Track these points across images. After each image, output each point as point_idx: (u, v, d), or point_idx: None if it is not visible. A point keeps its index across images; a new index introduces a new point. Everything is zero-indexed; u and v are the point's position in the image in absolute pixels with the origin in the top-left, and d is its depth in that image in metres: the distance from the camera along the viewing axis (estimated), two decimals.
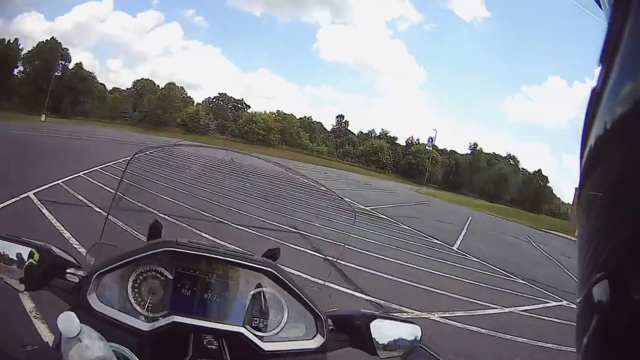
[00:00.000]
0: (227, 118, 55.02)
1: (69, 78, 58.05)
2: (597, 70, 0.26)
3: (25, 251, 0.81)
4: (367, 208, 13.53)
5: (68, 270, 0.85)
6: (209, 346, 0.79)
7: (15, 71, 61.24)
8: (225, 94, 57.11)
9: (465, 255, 9.19)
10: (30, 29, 57.54)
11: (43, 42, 58.86)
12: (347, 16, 68.77)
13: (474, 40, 65.94)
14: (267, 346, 0.86)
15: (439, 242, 10.25)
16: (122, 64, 75.07)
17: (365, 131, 60.48)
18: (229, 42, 70.14)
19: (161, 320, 0.80)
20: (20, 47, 58.58)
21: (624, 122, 0.23)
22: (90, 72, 57.13)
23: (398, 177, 54.15)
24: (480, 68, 68.39)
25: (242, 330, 0.84)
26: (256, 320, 0.88)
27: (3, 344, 0.76)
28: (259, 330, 0.87)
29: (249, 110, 56.37)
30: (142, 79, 56.27)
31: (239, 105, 56.61)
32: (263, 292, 0.89)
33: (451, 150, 57.40)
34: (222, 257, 0.86)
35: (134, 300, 0.81)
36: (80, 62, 58.81)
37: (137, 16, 71.34)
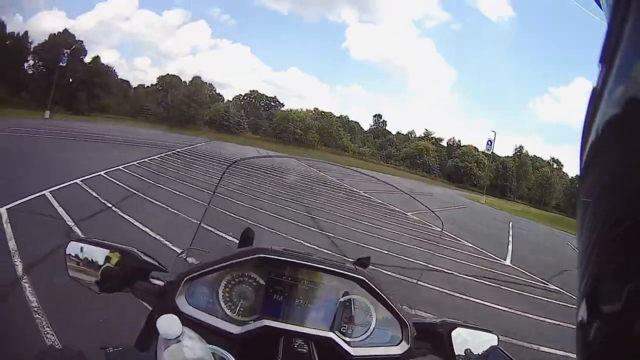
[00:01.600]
0: (260, 116, 49.84)
1: (85, 72, 53.18)
2: (598, 70, 0.25)
3: (104, 253, 0.83)
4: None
5: (152, 274, 0.86)
6: (298, 350, 0.81)
7: (26, 65, 56.67)
8: (257, 91, 52.22)
9: None
10: (52, 27, 53.57)
11: (55, 34, 53.82)
12: (375, 14, 65.20)
13: (500, 40, 63.62)
14: (354, 351, 0.87)
15: None
16: (149, 62, 71.46)
17: (404, 132, 55.79)
18: (257, 41, 66.13)
19: (252, 324, 0.83)
20: (30, 40, 53.87)
21: (624, 121, 0.23)
22: (109, 66, 52.01)
23: (445, 182, 49.09)
24: (506, 68, 64.90)
25: (331, 335, 0.86)
26: (345, 326, 0.89)
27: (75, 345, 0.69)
28: (348, 335, 0.89)
29: (283, 109, 51.06)
30: (168, 74, 51.22)
31: (272, 103, 51.62)
32: (353, 299, 0.89)
33: (492, 153, 52.11)
34: (315, 265, 0.87)
35: (225, 304, 0.83)
36: (98, 56, 53.84)
37: (162, 14, 67.06)
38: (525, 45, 64.12)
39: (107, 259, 0.84)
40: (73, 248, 0.86)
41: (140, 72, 61.15)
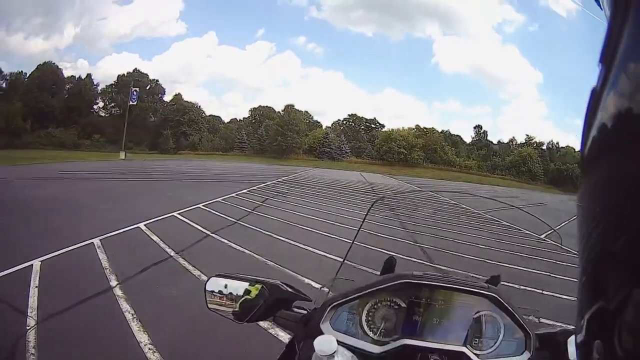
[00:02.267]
0: (362, 139, 47.44)
1: (167, 111, 51.62)
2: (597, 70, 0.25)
3: (244, 287, 0.92)
4: None
5: (295, 303, 0.95)
6: None
7: (96, 108, 55.55)
8: (356, 115, 50.02)
9: None
10: (123, 70, 52.52)
11: (124, 75, 52.56)
12: (456, 26, 62.41)
13: (574, 35, 58.86)
14: None
15: None
16: (240, 97, 71.06)
17: (505, 140, 53.01)
18: (348, 66, 65.62)
19: (392, 343, 0.89)
20: (95, 82, 52.86)
21: (623, 121, 0.23)
22: (193, 103, 50.34)
23: (550, 187, 45.89)
24: (584, 64, 61.72)
25: (463, 349, 0.90)
26: (476, 340, 0.93)
27: None
28: (478, 349, 0.93)
29: (384, 129, 48.64)
30: (260, 106, 49.53)
31: (372, 125, 49.23)
32: (484, 314, 0.94)
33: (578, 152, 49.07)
34: (452, 286, 0.93)
35: (367, 326, 0.90)
36: (179, 94, 52.43)
37: (246, 49, 68.63)
38: (595, 38, 63.17)
39: (247, 291, 0.92)
40: (213, 283, 0.95)
41: (232, 108, 61.69)
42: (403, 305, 0.92)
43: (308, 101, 66.99)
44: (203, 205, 9.46)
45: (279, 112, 47.52)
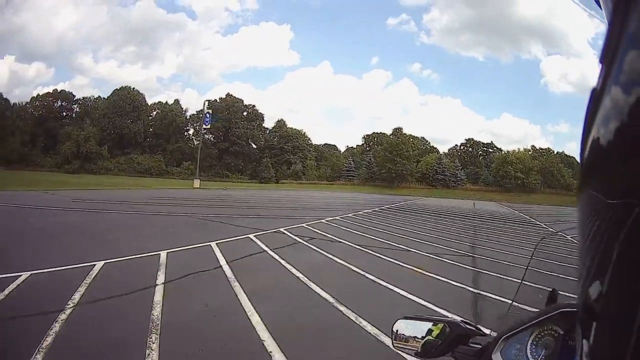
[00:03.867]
0: (479, 165, 46.11)
1: (269, 138, 51.91)
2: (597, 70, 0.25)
3: (427, 326, 1.02)
4: None
5: (472, 340, 1.01)
6: None
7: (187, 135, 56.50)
8: (473, 139, 48.87)
9: None
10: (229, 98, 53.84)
11: (215, 100, 52.98)
12: (558, 45, 62.21)
13: None
14: None
15: None
16: (359, 126, 74.84)
17: None
18: (465, 92, 67.36)
19: None
20: (184, 108, 53.56)
21: (624, 121, 0.23)
22: (299, 130, 50.32)
23: None
24: None
25: None
26: None
27: None
28: None
29: (500, 153, 47.13)
30: (374, 132, 49.30)
31: (489, 150, 47.79)
32: None
33: None
34: None
35: (531, 354, 0.95)
36: (282, 119, 52.56)
37: (362, 77, 71.05)
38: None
39: (430, 331, 1.01)
40: (399, 324, 1.04)
41: (351, 136, 61.19)
42: (561, 332, 0.94)
43: (426, 128, 67.73)
44: None
45: (389, 135, 46.85)
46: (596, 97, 0.25)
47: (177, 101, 54.74)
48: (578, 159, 0.25)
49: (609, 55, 0.24)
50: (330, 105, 63.56)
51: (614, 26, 0.25)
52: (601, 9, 0.29)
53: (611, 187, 0.23)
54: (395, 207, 20.62)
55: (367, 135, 49.23)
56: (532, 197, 42.56)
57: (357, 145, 50.03)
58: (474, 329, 1.04)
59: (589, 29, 67.23)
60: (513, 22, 57.65)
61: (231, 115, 51.57)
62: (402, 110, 65.64)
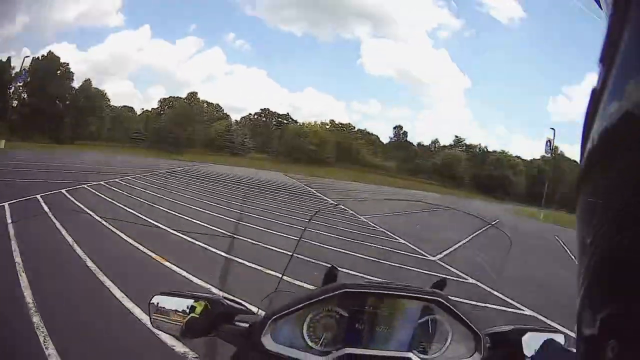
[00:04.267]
0: (272, 135, 43.26)
1: (72, 98, 48.13)
2: (598, 70, 0.25)
3: (188, 303, 0.93)
4: None
5: (237, 317, 0.94)
6: None
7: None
8: (268, 109, 45.85)
9: None
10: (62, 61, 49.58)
11: (38, 58, 48.90)
12: (388, 29, 62.53)
13: (513, 42, 61.13)
14: None
15: None
16: (164, 91, 69.58)
17: (425, 143, 49.35)
18: (273, 64, 66.06)
19: (334, 353, 0.88)
20: (13, 65, 49.31)
21: (624, 122, 0.22)
22: (101, 90, 46.55)
23: (478, 194, 41.43)
24: (521, 70, 63.44)
25: (409, 355, 0.90)
26: (422, 345, 0.93)
27: None
28: (425, 353, 0.93)
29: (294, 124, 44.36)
30: (171, 97, 45.44)
31: (285, 121, 44.87)
32: (430, 319, 0.94)
33: (553, 156, 44.43)
34: (395, 293, 0.93)
35: (309, 338, 0.89)
36: (89, 79, 48.83)
37: (176, 43, 67.18)
38: (538, 45, 62.92)
39: (192, 308, 0.92)
40: (157, 300, 0.95)
41: (154, 101, 58.83)
42: (345, 314, 0.90)
43: (226, 96, 63.78)
44: None
45: (183, 99, 43.55)
46: (596, 97, 0.25)
47: (9, 59, 50.56)
48: (578, 159, 0.26)
49: (609, 55, 0.24)
50: (143, 69, 59.96)
51: (613, 26, 0.24)
52: (601, 9, 0.28)
53: (613, 190, 0.23)
54: (163, 173, 19.06)
55: (163, 98, 45.86)
56: (324, 170, 39.93)
57: (153, 109, 46.59)
58: (240, 306, 0.96)
59: (428, 17, 68.49)
60: (345, 2, 57.17)
61: (46, 74, 47.67)
62: (206, 77, 63.05)
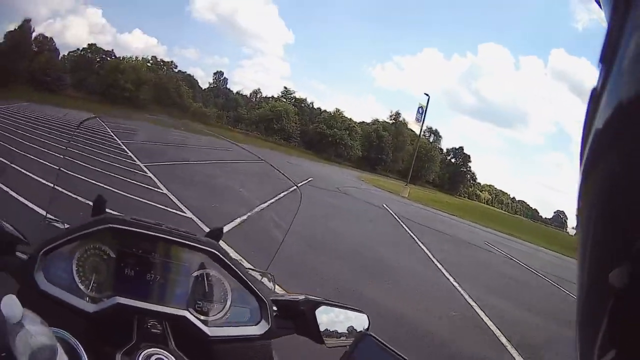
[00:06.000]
0: (93, 71, 41.60)
1: None
2: (598, 70, 0.25)
3: None
4: None
5: (17, 248, 0.82)
6: (152, 330, 0.79)
7: None
8: (95, 45, 43.45)
9: None
10: None
11: None
12: None
13: (347, 7, 64.51)
14: (211, 331, 0.84)
15: None
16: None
17: (245, 92, 46.71)
18: (108, 3, 60.46)
19: (105, 301, 0.79)
20: None
21: (624, 122, 0.22)
22: None
23: (304, 151, 38.05)
24: (353, 35, 68.75)
25: (185, 313, 0.83)
26: (200, 304, 0.86)
27: None
28: (203, 314, 0.86)
29: (113, 59, 42.10)
30: (16, 29, 44.25)
31: (109, 58, 42.56)
32: (206, 274, 0.87)
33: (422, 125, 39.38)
34: (162, 236, 0.84)
35: (79, 279, 0.80)
36: None
37: None
38: (370, 10, 64.97)
39: None
40: None
41: None
42: (112, 255, 0.81)
43: (62, 35, 56.89)
44: None
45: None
46: (596, 97, 0.24)
47: None
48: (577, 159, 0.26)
49: (609, 55, 0.24)
50: None
51: (613, 26, 0.24)
52: (601, 8, 0.28)
53: (613, 192, 0.22)
54: None
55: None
56: (138, 113, 38.43)
57: None
58: (17, 234, 0.81)
59: None
60: None
61: None
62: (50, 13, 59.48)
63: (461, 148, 51.17)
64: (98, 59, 42.89)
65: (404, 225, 11.59)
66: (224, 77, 45.87)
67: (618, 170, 0.22)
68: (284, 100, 42.84)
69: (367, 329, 0.94)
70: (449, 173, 49.44)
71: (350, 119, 41.93)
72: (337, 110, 41.26)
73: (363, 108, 78.45)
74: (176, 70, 41.66)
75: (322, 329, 0.88)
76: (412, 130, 43.32)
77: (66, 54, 44.00)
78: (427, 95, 31.93)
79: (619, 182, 0.22)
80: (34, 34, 42.16)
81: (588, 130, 0.25)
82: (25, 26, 41.00)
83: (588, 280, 0.23)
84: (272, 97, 43.97)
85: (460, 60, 69.35)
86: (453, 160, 50.34)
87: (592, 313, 0.23)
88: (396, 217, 13.13)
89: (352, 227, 9.45)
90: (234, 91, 45.87)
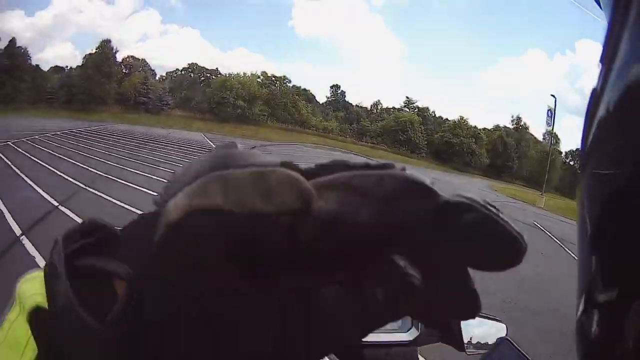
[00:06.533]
0: (197, 90, 37.84)
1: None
2: (597, 69, 0.25)
3: None
4: None
5: None
6: None
7: None
8: (196, 64, 40.35)
9: None
10: (10, 27, 46.82)
11: None
12: None
13: (448, 12, 62.62)
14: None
15: None
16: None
17: (364, 104, 43.93)
18: (206, 24, 61.42)
19: None
20: None
21: (624, 122, 0.22)
22: (23, 48, 42.05)
23: (433, 162, 35.54)
24: (457, 40, 63.82)
25: None
26: None
27: None
28: None
29: (220, 76, 38.65)
30: (91, 53, 40.35)
31: (214, 77, 39.14)
32: None
33: (552, 130, 37.65)
34: None
35: None
36: (13, 39, 44.47)
37: (114, 3, 64.02)
38: (473, 15, 63.00)
39: None
40: None
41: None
42: None
43: (164, 57, 61.84)
44: None
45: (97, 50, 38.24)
46: (596, 97, 0.25)
47: None
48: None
49: (609, 55, 0.24)
50: (82, 32, 54.84)
51: (614, 26, 0.24)
52: (601, 9, 0.28)
53: (613, 192, 0.22)
54: None
55: (89, 53, 40.56)
56: (253, 130, 34.21)
57: (77, 66, 41.83)
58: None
59: None
60: None
61: None
62: (141, 37, 60.20)
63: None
64: (202, 78, 39.27)
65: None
66: (342, 90, 42.93)
67: (619, 169, 0.22)
68: (407, 110, 40.24)
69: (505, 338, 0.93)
70: (569, 177, 47.45)
71: (475, 126, 39.65)
72: (461, 117, 38.94)
73: (479, 113, 76.21)
74: (290, 85, 38.41)
75: (465, 338, 0.87)
76: (532, 134, 41.62)
77: (164, 74, 40.23)
78: (553, 96, 30.18)
79: (621, 184, 0.22)
80: (119, 56, 38.91)
81: (588, 130, 0.24)
82: (106, 47, 37.26)
83: (594, 269, 0.23)
84: (394, 107, 41.32)
85: (561, 59, 62.98)
86: (572, 163, 48.70)
87: (598, 247, 0.23)
88: (558, 241, 8.99)
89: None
90: (353, 104, 42.81)
